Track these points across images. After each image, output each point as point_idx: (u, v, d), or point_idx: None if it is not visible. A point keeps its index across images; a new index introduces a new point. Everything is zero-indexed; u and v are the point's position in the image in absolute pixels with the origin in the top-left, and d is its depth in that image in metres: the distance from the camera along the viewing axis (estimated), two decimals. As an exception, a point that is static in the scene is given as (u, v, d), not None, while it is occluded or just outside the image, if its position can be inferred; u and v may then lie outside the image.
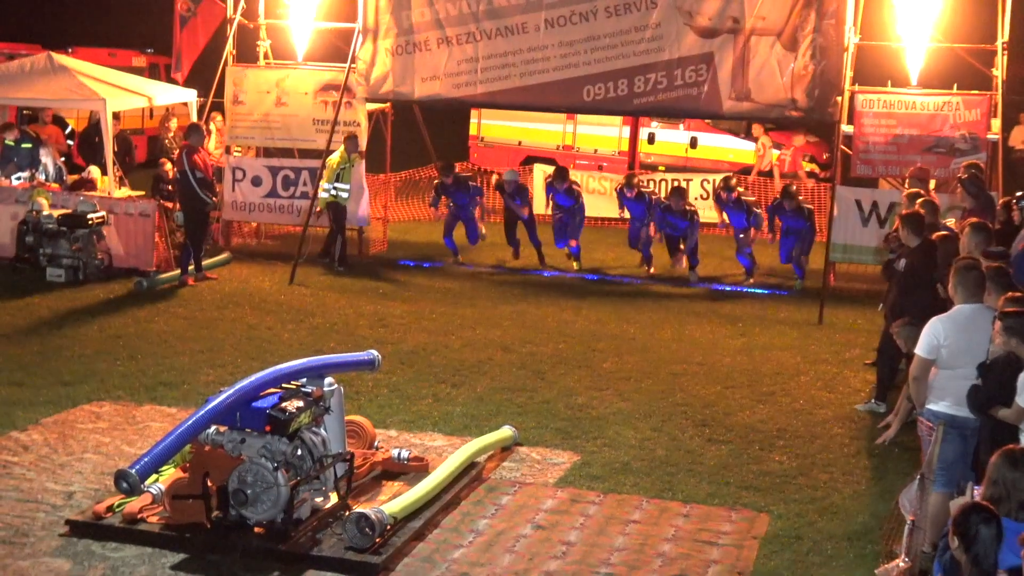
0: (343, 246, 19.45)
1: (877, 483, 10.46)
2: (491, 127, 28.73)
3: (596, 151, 27.74)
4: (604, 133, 27.57)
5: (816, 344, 15.17)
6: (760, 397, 12.92)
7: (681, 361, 14.17)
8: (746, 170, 25.58)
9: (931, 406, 8.90)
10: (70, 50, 21.95)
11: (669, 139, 27.37)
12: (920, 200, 13.20)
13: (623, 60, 18.78)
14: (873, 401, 12.45)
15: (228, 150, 20.62)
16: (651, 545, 9.19)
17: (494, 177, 22.05)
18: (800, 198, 19.41)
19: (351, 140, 19.11)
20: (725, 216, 20.36)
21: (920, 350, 8.93)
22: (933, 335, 8.85)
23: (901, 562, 7.58)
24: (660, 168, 25.23)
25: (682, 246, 20.08)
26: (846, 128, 17.63)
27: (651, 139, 27.24)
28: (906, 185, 15.49)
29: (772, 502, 10.08)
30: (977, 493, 6.75)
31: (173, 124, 21.74)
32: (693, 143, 26.79)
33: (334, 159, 18.93)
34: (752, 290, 18.55)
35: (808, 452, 11.33)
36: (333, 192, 18.95)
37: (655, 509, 9.91)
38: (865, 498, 10.20)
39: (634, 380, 13.36)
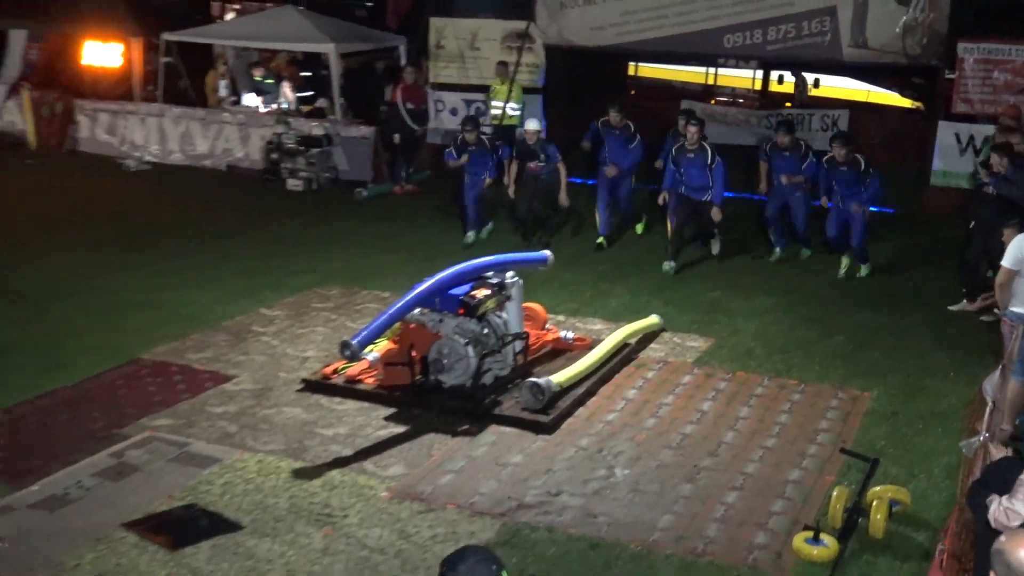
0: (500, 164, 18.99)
1: (963, 372, 10.21)
2: (645, 68, 28.33)
3: (733, 90, 27.21)
4: (741, 74, 27.01)
5: (913, 256, 14.76)
6: (865, 299, 12.65)
7: (798, 269, 13.92)
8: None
9: (1014, 308, 8.72)
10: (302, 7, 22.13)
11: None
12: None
13: (758, 13, 18.37)
14: (965, 302, 12.15)
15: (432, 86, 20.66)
16: (770, 415, 9.17)
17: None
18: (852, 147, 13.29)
19: (499, 66, 18.76)
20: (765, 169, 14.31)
21: (1006, 261, 8.70)
22: (1018, 249, 8.63)
23: (981, 437, 7.44)
24: (786, 104, 24.58)
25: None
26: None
27: (780, 79, 26.54)
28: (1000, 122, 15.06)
29: (873, 384, 9.94)
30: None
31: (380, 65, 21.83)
32: (816, 83, 26.06)
33: (493, 83, 18.81)
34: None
35: (905, 344, 11.10)
36: (508, 111, 18.70)
37: (774, 386, 9.86)
38: (952, 384, 9.98)
39: (760, 282, 13.19)
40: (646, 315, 11.38)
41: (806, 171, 13.74)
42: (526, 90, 19.27)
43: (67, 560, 6.59)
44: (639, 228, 15.37)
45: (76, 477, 7.66)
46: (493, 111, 18.46)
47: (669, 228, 13.61)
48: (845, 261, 13.48)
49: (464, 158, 14.52)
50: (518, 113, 18.56)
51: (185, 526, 7.04)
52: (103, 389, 9.31)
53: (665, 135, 15.40)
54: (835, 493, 7.28)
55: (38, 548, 6.71)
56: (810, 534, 6.92)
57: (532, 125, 14.40)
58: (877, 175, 13.22)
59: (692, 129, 13.46)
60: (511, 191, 14.58)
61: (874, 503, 7.15)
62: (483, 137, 14.80)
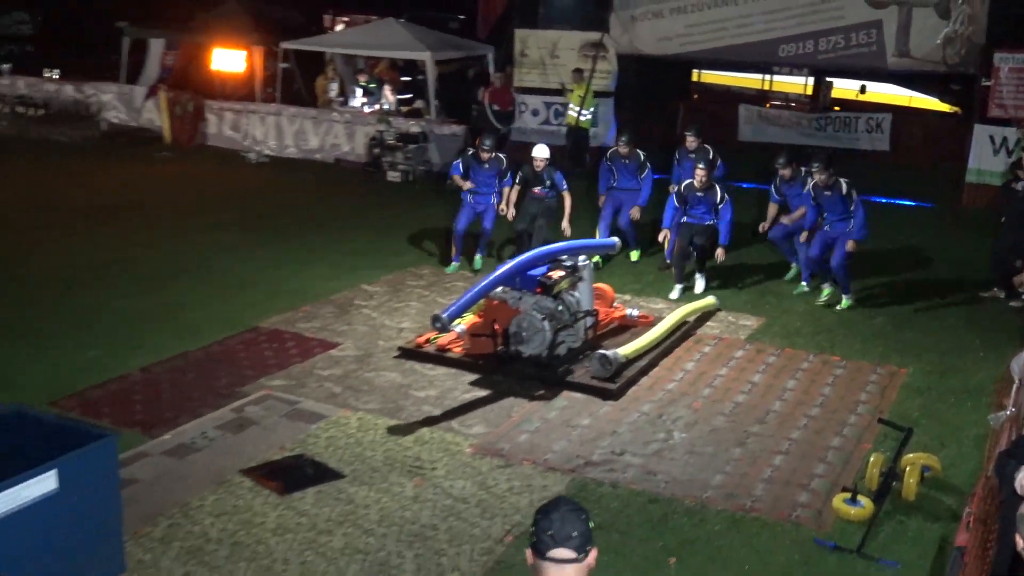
0: (574, 159, 18.53)
1: (992, 352, 9.97)
2: (707, 75, 28.02)
3: (787, 95, 26.81)
4: (793, 81, 26.61)
5: (949, 245, 14.45)
6: (904, 285, 12.42)
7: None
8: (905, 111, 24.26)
9: None
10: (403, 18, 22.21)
11: (844, 86, 26.21)
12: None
13: (811, 25, 18.13)
14: (995, 289, 11.88)
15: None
16: (814, 388, 9.06)
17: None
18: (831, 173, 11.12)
19: (575, 73, 18.74)
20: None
21: None
22: None
23: (1008, 411, 7.27)
24: (836, 108, 24.18)
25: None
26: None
27: (830, 85, 26.11)
28: None
29: (909, 361, 9.78)
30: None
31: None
32: (862, 89, 25.58)
33: (573, 87, 18.76)
34: (902, 201, 17.67)
35: (940, 326, 10.89)
36: (574, 115, 18.62)
37: (819, 361, 9.73)
38: (982, 363, 9.77)
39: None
40: (704, 296, 11.29)
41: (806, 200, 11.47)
42: (600, 94, 19.24)
43: (192, 500, 6.73)
44: (634, 255, 12.99)
45: (202, 429, 7.81)
46: (570, 112, 18.47)
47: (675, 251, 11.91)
48: (827, 290, 11.55)
49: (467, 184, 12.19)
50: (589, 117, 18.54)
51: (294, 473, 7.14)
52: (226, 353, 9.46)
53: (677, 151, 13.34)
54: (872, 459, 7.18)
55: (168, 489, 6.87)
56: (848, 495, 6.84)
57: (540, 152, 11.97)
58: (861, 203, 11.17)
59: (700, 172, 11.49)
60: (510, 215, 12.29)
61: (907, 468, 7.05)
62: (500, 156, 12.28)
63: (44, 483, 5.26)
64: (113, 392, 8.46)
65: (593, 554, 3.17)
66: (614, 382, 8.85)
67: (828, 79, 24.37)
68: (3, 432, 5.83)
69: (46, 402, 8.01)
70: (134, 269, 11.96)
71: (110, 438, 5.70)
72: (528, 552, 3.19)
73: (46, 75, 22.46)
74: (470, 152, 12.32)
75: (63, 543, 5.43)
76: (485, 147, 12.09)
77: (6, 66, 23.13)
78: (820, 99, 24.40)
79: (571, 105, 18.44)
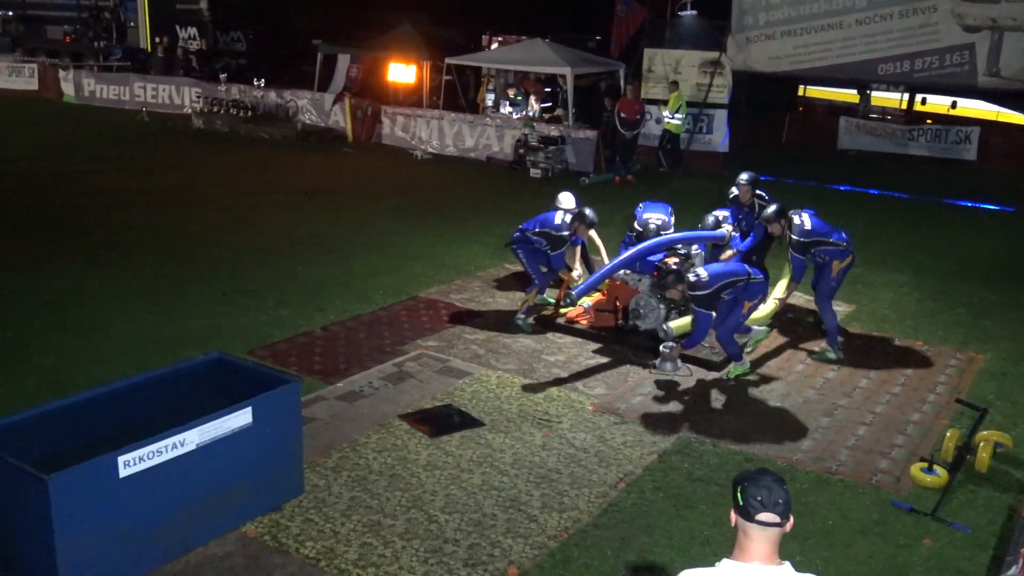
0: (667, 157, 18.57)
1: (1066, 343, 9.43)
2: (812, 90, 27.10)
3: (883, 108, 25.71)
4: (889, 96, 25.50)
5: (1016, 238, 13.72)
6: (984, 279, 11.76)
7: (924, 254, 13.10)
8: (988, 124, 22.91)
9: None
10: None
11: (936, 101, 24.98)
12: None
13: (908, 47, 17.32)
14: None
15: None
16: (898, 369, 8.68)
17: None
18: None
19: (671, 84, 18.43)
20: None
21: None
22: None
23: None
24: (928, 121, 23.03)
25: None
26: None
27: (923, 101, 24.92)
28: None
29: (986, 348, 9.26)
30: None
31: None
32: (953, 104, 24.33)
33: (672, 97, 18.36)
34: (986, 205, 16.72)
35: (1017, 317, 10.27)
36: (667, 119, 18.34)
37: (903, 345, 9.32)
38: (1056, 352, 9.23)
39: (896, 261, 12.46)
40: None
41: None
42: (716, 105, 18.87)
43: (359, 438, 6.88)
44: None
45: (368, 379, 7.96)
46: (674, 119, 18.34)
47: None
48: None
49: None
50: (677, 123, 18.26)
51: (442, 420, 7.22)
52: (391, 317, 9.60)
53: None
54: (948, 433, 6.84)
55: (340, 428, 7.03)
56: (925, 465, 6.55)
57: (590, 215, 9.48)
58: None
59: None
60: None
61: (981, 444, 6.70)
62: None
63: (241, 417, 5.45)
64: (299, 345, 8.69)
65: (791, 522, 3.06)
66: (717, 355, 8.62)
67: (868, 91, 23.34)
68: (209, 375, 6.06)
69: (245, 351, 8.30)
70: (322, 243, 12.27)
71: (295, 383, 5.85)
72: (732, 514, 3.10)
73: (254, 83, 23.25)
74: (564, 240, 9.40)
75: (255, 466, 5.62)
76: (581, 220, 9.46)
77: (223, 76, 24.07)
78: (862, 107, 23.35)
79: (665, 112, 18.27)
